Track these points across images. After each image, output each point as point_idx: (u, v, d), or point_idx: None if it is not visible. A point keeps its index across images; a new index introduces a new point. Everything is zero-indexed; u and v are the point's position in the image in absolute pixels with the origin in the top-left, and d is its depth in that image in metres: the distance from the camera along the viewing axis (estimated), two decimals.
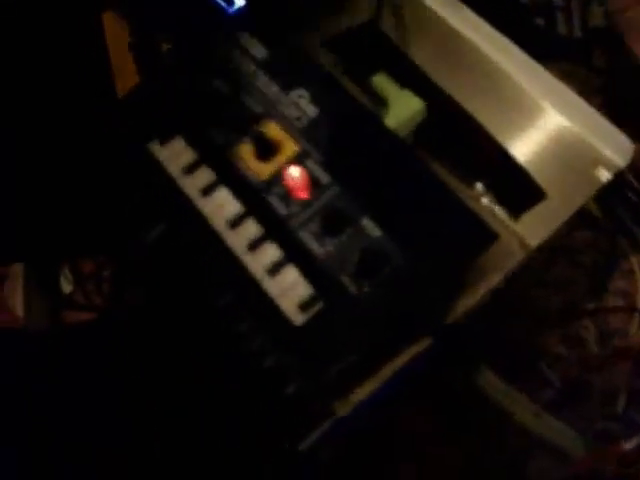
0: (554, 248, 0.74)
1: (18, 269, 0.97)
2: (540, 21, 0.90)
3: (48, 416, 0.69)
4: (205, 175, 0.56)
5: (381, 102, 0.58)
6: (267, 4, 0.63)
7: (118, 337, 0.73)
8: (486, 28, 0.62)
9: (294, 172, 0.53)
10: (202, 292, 0.56)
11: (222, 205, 0.55)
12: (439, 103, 0.62)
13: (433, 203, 0.53)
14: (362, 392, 0.54)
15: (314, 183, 0.54)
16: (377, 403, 0.55)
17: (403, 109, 0.57)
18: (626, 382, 0.72)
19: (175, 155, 0.57)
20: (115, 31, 0.88)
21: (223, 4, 0.84)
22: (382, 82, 0.59)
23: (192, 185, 0.56)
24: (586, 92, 0.68)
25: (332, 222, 0.53)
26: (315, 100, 0.56)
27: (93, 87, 0.86)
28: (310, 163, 0.54)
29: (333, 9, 0.67)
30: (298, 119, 0.56)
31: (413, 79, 0.63)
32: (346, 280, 0.52)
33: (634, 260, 0.76)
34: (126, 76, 0.87)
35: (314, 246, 0.53)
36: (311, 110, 0.56)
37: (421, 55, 0.65)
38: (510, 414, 0.55)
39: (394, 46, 0.66)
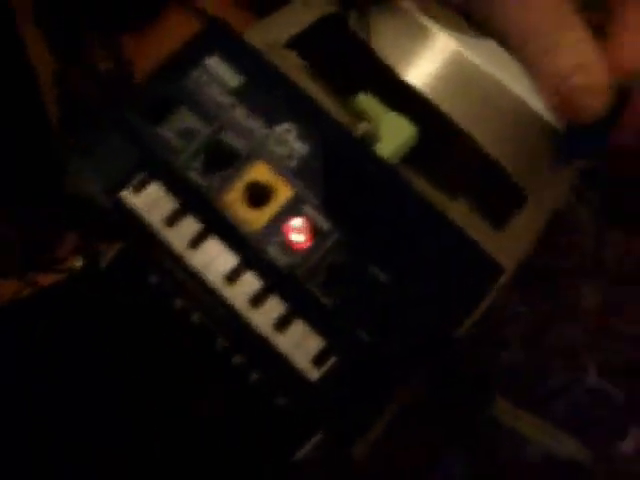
0: None
1: None
2: None
3: (46, 412, 0.66)
4: (191, 225, 0.52)
5: (367, 123, 0.55)
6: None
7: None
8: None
9: (294, 221, 0.50)
10: (203, 351, 0.53)
11: (215, 258, 0.52)
12: (418, 111, 0.59)
13: (438, 240, 0.52)
14: (377, 431, 0.54)
15: (314, 230, 0.51)
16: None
17: (396, 136, 0.54)
18: None
19: (153, 204, 0.52)
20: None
21: None
22: (368, 103, 0.55)
23: (178, 237, 0.52)
24: None
25: (338, 271, 0.51)
26: (303, 134, 0.52)
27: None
28: (308, 208, 0.51)
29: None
30: (288, 157, 0.52)
31: (385, 82, 0.60)
32: (359, 331, 0.51)
33: None
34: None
35: (321, 297, 0.51)
36: (300, 146, 0.52)
37: (391, 53, 0.61)
38: (527, 438, 0.57)
39: (363, 45, 0.61)
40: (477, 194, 0.59)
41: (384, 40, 0.62)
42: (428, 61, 0.62)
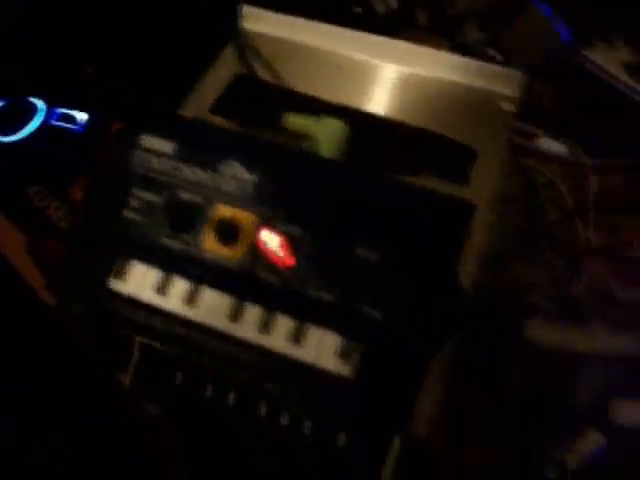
0: None
1: None
2: (358, 9, 0.94)
3: None
4: (181, 286, 0.54)
5: (303, 138, 0.59)
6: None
7: None
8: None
9: (267, 239, 0.53)
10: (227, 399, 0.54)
11: (214, 305, 0.53)
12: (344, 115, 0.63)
13: (406, 207, 0.54)
14: (430, 404, 0.54)
15: (290, 240, 0.53)
16: None
17: (330, 135, 0.58)
18: None
19: (140, 281, 0.54)
20: None
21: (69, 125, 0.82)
22: (296, 119, 0.59)
23: (173, 301, 0.54)
24: None
25: (329, 266, 0.53)
26: (248, 165, 0.55)
27: None
28: (277, 224, 0.54)
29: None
30: (242, 189, 0.55)
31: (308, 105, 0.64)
32: (369, 310, 0.52)
33: None
34: None
35: (324, 296, 0.52)
36: (249, 177, 0.55)
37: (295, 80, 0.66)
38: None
39: (273, 87, 0.66)
40: (433, 165, 0.62)
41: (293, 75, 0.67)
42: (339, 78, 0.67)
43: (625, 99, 0.86)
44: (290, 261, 0.53)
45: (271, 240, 0.53)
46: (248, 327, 0.53)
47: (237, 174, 0.55)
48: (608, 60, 0.87)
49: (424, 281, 0.52)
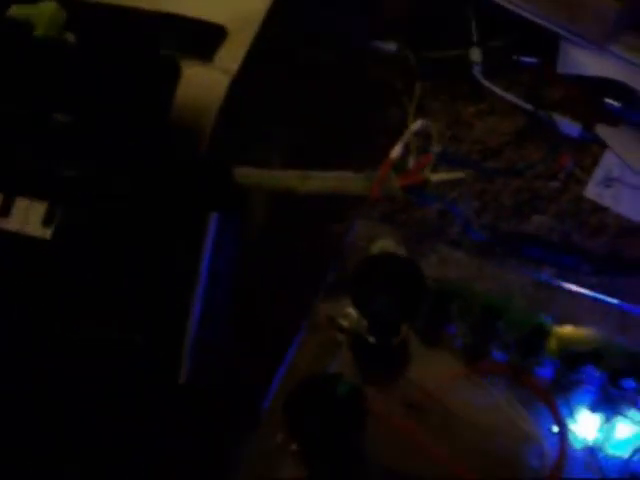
0: None
1: None
2: None
3: None
4: None
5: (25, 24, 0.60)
6: None
7: None
8: None
9: None
10: None
11: None
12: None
13: (109, 70, 0.56)
14: None
15: None
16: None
17: (42, 17, 0.59)
18: None
19: None
20: None
21: None
22: (17, 8, 0.60)
23: None
24: None
25: (28, 136, 0.54)
26: None
27: None
28: None
29: None
30: None
31: None
32: (67, 172, 0.54)
33: None
34: None
35: (26, 165, 0.54)
36: None
37: None
38: (282, 190, 0.59)
39: None
40: (182, 44, 0.63)
41: None
42: None
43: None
44: None
45: None
46: None
47: None
48: None
49: (119, 136, 0.54)
